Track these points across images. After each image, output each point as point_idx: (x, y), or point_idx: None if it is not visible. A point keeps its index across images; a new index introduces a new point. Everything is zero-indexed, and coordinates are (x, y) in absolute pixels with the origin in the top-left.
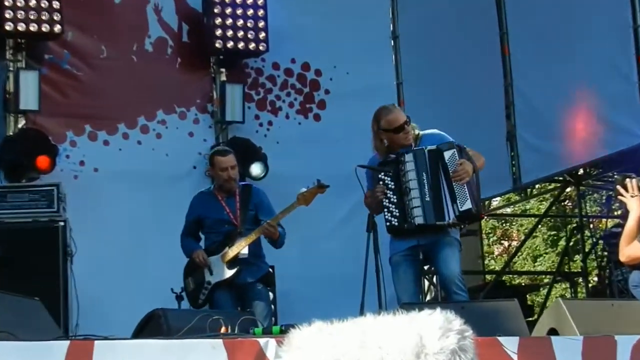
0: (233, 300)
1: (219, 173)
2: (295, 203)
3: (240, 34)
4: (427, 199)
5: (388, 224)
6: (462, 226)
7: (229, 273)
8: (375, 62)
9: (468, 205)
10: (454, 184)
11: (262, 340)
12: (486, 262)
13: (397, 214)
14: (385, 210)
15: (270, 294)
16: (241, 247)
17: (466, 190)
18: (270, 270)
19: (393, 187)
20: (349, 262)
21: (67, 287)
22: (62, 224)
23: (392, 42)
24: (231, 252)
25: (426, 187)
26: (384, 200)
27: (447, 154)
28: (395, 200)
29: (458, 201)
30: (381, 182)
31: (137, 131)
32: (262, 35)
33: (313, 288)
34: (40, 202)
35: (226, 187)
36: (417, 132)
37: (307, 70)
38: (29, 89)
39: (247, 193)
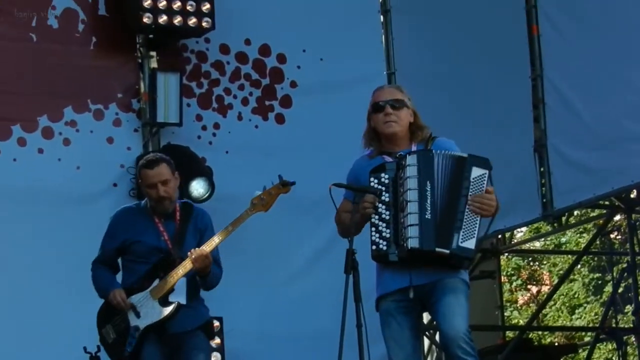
0: (164, 355)
1: (147, 191)
2: (249, 210)
3: (177, 5)
4: (428, 216)
5: (374, 247)
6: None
7: (165, 312)
8: (358, 45)
9: (471, 244)
10: (466, 210)
11: None
12: (507, 313)
13: (388, 236)
14: (373, 229)
15: (214, 345)
16: (175, 280)
17: (477, 225)
18: (213, 319)
19: (387, 200)
20: (322, 314)
21: None
22: None
23: (382, 18)
24: (164, 285)
25: (429, 200)
26: (372, 216)
27: (476, 172)
28: (387, 217)
29: (462, 233)
30: (374, 196)
31: (38, 135)
32: (205, 7)
33: (274, 347)
34: None
35: (159, 209)
36: (426, 131)
37: (267, 56)
38: None
39: (188, 214)
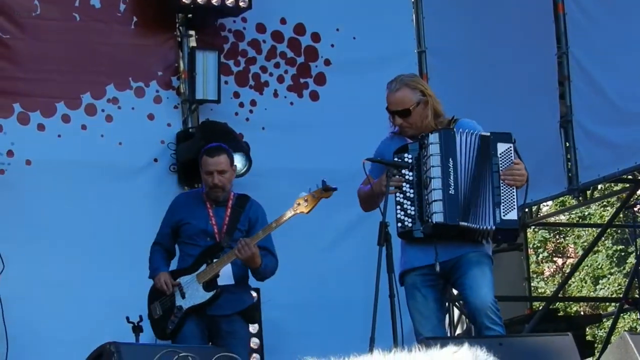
0: (203, 334)
1: (204, 177)
2: (292, 210)
3: None
4: (452, 191)
5: (399, 225)
6: (494, 242)
7: (206, 296)
8: (390, 24)
9: (513, 215)
10: (501, 184)
11: None
12: (534, 284)
13: (413, 213)
14: (398, 207)
15: (253, 330)
16: (220, 267)
17: (515, 197)
18: (255, 298)
19: (412, 178)
20: (355, 285)
21: None
22: None
23: None
24: (210, 270)
25: (452, 177)
26: (397, 195)
27: (501, 147)
28: (412, 196)
29: (502, 207)
30: (398, 174)
31: (82, 112)
32: None
33: (309, 318)
34: None
35: (211, 195)
36: (444, 116)
37: (302, 34)
38: None
39: (242, 205)
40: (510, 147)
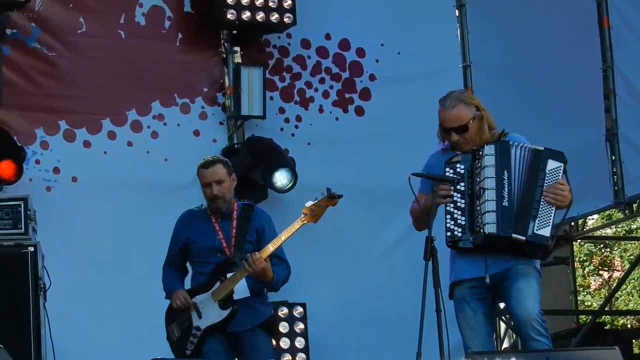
0: (227, 351)
1: (203, 190)
2: (300, 220)
3: (259, 1)
4: (505, 204)
5: (448, 234)
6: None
7: (222, 315)
8: (434, 38)
9: (546, 232)
10: (542, 200)
11: None
12: (580, 298)
13: (464, 223)
14: (448, 217)
15: (299, 344)
16: (234, 284)
17: (552, 215)
18: (274, 316)
19: (463, 189)
20: (402, 300)
21: (39, 330)
22: (31, 249)
23: (457, 12)
24: (223, 288)
25: (506, 189)
26: (448, 204)
27: (551, 164)
28: (462, 206)
29: (538, 221)
30: (449, 185)
31: (127, 129)
32: (287, 3)
33: (355, 333)
34: (4, 221)
35: (211, 207)
36: (495, 129)
37: (347, 50)
38: None
39: (247, 215)
40: (560, 166)
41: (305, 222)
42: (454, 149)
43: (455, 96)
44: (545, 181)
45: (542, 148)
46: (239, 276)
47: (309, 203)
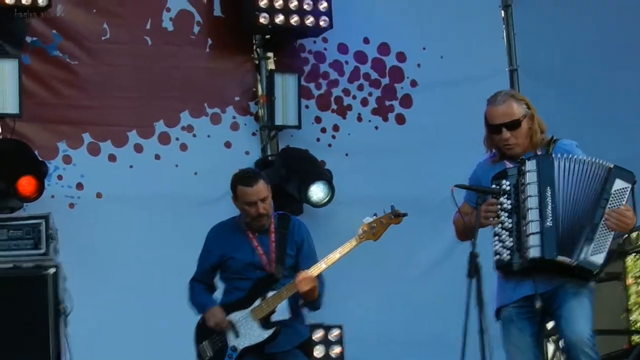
0: None
1: (245, 208)
2: (358, 237)
3: (294, 4)
4: (549, 223)
5: (497, 257)
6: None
7: (264, 335)
8: (480, 42)
9: (599, 259)
10: (601, 222)
11: None
12: (633, 317)
13: (510, 245)
14: (496, 238)
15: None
16: (278, 301)
17: (609, 240)
18: (310, 337)
19: (510, 207)
20: (442, 319)
21: (60, 351)
22: (52, 271)
23: (503, 13)
24: (266, 307)
25: (549, 207)
26: (494, 225)
27: (618, 184)
28: (510, 226)
29: (593, 245)
30: (494, 202)
31: (155, 141)
32: (323, 5)
33: (395, 355)
34: (24, 240)
35: (256, 225)
36: (544, 135)
37: (387, 54)
38: (5, 85)
39: (285, 227)
40: (628, 187)
41: (364, 239)
42: (502, 157)
43: (505, 93)
44: (609, 203)
45: (611, 165)
46: (285, 294)
47: (368, 219)
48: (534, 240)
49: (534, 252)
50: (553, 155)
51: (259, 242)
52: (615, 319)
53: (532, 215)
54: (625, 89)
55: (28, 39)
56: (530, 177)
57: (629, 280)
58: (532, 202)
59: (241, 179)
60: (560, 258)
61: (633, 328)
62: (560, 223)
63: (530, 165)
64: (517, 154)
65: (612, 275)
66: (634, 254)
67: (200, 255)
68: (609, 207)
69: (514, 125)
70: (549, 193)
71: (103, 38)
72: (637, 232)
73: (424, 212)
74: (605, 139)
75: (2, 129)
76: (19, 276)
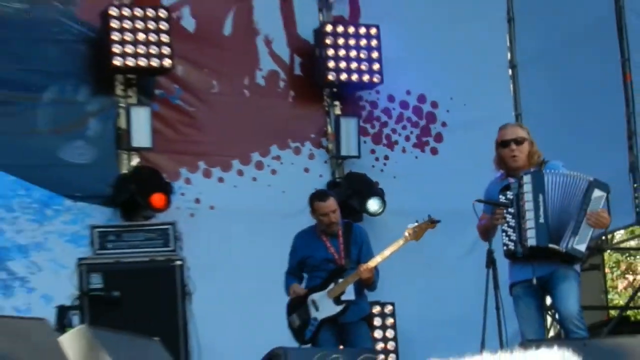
0: (336, 338)
1: (320, 218)
2: (404, 238)
3: (354, 65)
4: (541, 220)
5: (505, 248)
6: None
7: (336, 309)
8: (492, 93)
9: (582, 247)
10: (584, 220)
11: None
12: (610, 296)
13: (514, 238)
14: (504, 234)
15: (389, 334)
16: (346, 285)
17: (590, 233)
18: (372, 312)
19: (513, 211)
20: (469, 299)
21: (187, 327)
22: (179, 263)
23: (510, 71)
24: (337, 289)
25: (541, 209)
26: (502, 224)
27: (596, 192)
28: (513, 224)
29: (577, 237)
30: (502, 209)
31: (252, 167)
32: (375, 66)
33: (431, 325)
34: (157, 241)
35: (329, 231)
36: (542, 158)
37: (423, 103)
38: (140, 126)
39: (349, 231)
40: (604, 195)
41: (409, 240)
42: (508, 174)
43: (513, 122)
44: (590, 206)
45: (591, 178)
46: (350, 280)
47: (411, 225)
48: (530, 233)
49: (531, 242)
50: (544, 171)
51: (331, 244)
52: (597, 299)
53: (529, 215)
54: (603, 126)
55: (157, 92)
56: (527, 187)
57: (606, 270)
58: (529, 206)
59: (317, 197)
60: (551, 246)
61: (609, 305)
62: (550, 220)
63: (527, 179)
64: (519, 167)
65: (593, 266)
66: (609, 251)
67: (290, 254)
68: (589, 210)
69: (519, 141)
70: (540, 199)
71: (212, 91)
72: (611, 234)
73: (453, 219)
74: (585, 157)
75: (140, 159)
76: (154, 267)
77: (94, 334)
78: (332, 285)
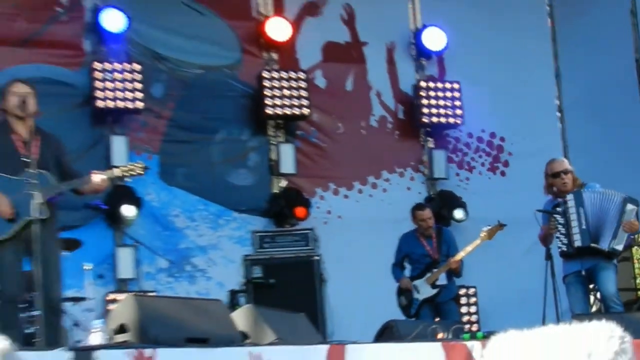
0: (433, 313)
1: (419, 223)
2: (480, 238)
3: (442, 111)
4: (584, 227)
5: (559, 250)
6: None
7: (433, 292)
8: (545, 130)
9: (620, 247)
10: (620, 227)
11: (469, 344)
12: (638, 281)
13: (565, 242)
14: (558, 240)
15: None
16: (439, 274)
17: (625, 237)
18: (459, 293)
19: (562, 222)
20: (532, 284)
21: (323, 305)
22: (317, 258)
23: (559, 113)
24: (433, 277)
25: (583, 218)
26: (555, 233)
27: (629, 206)
28: (564, 232)
29: (616, 240)
30: (554, 220)
31: (369, 187)
32: (458, 112)
33: (506, 304)
34: (300, 242)
35: (425, 233)
36: (580, 181)
37: (494, 138)
38: (287, 158)
39: (441, 234)
40: (635, 208)
41: (484, 239)
42: (556, 195)
43: (558, 157)
44: (625, 217)
45: (624, 195)
46: (442, 270)
47: (486, 228)
48: (576, 237)
49: (577, 243)
50: (583, 191)
51: (427, 243)
52: (628, 283)
53: (574, 224)
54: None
55: (298, 132)
56: (571, 203)
57: (634, 261)
58: (573, 217)
59: (417, 207)
60: (593, 245)
61: (638, 287)
62: (590, 227)
63: (570, 197)
64: (566, 191)
65: (625, 258)
66: (636, 247)
67: (396, 251)
68: (624, 220)
69: (567, 172)
70: (582, 211)
71: (338, 131)
72: (638, 235)
73: (516, 225)
74: (622, 181)
75: (286, 182)
76: (299, 261)
77: (257, 311)
78: (429, 274)
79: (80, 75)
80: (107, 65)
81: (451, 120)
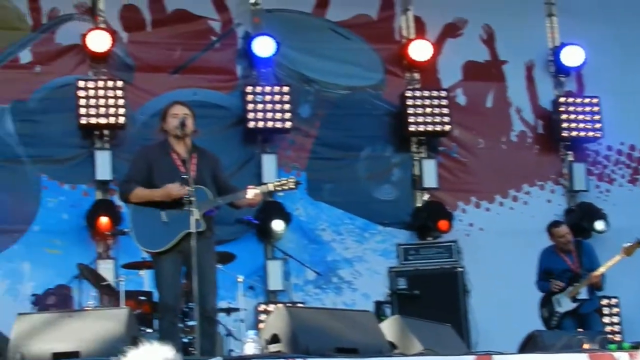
0: (576, 325)
1: (558, 240)
2: (619, 255)
3: (581, 125)
4: None
5: None
6: None
7: (573, 305)
8: None
9: None
10: None
11: (616, 355)
12: None
13: None
14: None
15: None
16: (580, 287)
17: None
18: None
19: None
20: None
21: (467, 316)
22: (460, 269)
23: None
24: (574, 290)
25: None
26: None
27: None
28: None
29: None
30: None
31: (510, 200)
32: (597, 126)
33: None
34: (444, 254)
35: (565, 249)
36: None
37: (633, 150)
38: (429, 173)
39: (580, 247)
40: None
41: (624, 256)
42: None
43: None
44: None
45: None
46: (583, 284)
47: (626, 245)
48: None
49: None
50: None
51: (567, 258)
52: None
53: None
54: None
55: (440, 148)
56: None
57: None
58: None
59: (553, 225)
60: None
61: None
62: None
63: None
64: None
65: None
66: None
67: (538, 266)
68: None
69: None
70: None
71: (479, 146)
72: None
73: None
74: None
75: (429, 196)
76: (443, 273)
77: (405, 322)
78: (570, 288)
79: (233, 97)
80: (258, 88)
81: (590, 134)
